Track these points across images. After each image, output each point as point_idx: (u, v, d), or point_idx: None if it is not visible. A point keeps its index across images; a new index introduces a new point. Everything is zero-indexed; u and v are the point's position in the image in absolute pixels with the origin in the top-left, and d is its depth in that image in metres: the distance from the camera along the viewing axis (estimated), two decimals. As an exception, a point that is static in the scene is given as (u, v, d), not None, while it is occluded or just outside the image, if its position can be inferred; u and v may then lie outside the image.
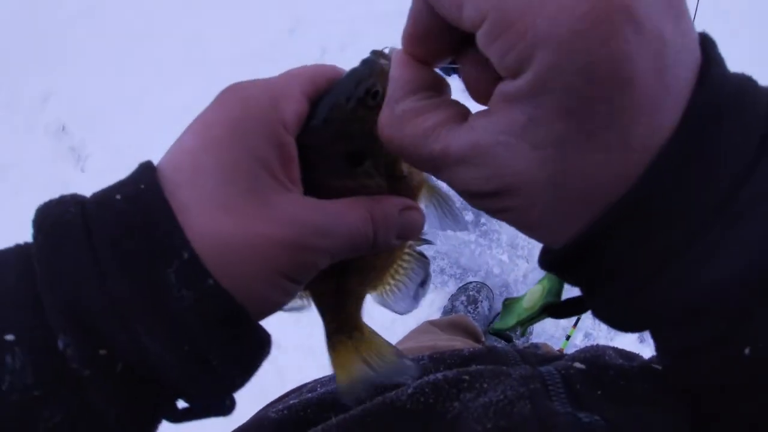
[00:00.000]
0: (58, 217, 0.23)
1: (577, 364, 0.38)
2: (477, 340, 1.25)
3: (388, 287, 0.42)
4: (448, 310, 1.84)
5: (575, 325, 1.55)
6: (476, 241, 1.93)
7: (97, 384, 0.22)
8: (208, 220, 0.25)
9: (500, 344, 0.80)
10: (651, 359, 0.39)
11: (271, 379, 1.91)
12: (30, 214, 0.24)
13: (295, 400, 0.45)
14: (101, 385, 0.22)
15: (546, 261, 0.27)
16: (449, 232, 1.93)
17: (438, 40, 0.26)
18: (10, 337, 0.21)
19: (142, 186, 0.25)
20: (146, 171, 0.26)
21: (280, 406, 0.45)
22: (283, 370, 1.91)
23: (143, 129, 2.07)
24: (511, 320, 0.41)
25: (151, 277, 0.23)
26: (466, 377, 0.37)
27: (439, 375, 0.39)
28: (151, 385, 0.24)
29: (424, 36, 0.27)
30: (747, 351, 0.21)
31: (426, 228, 0.38)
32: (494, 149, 0.23)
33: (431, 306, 1.88)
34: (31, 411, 0.21)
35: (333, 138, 0.33)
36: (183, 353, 0.24)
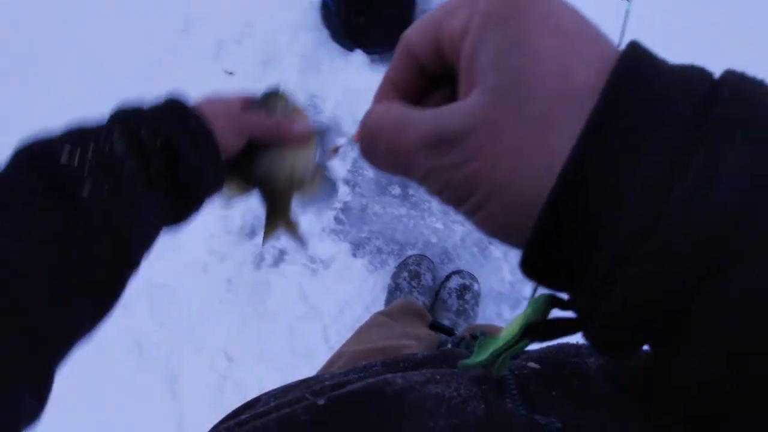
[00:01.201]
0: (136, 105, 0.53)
1: (531, 364, 0.37)
2: (426, 321, 1.23)
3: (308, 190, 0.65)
4: (393, 288, 1.81)
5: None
6: (408, 213, 1.90)
7: (155, 155, 0.49)
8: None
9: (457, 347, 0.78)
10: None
11: (231, 395, 1.86)
12: None
13: (247, 416, 0.44)
14: (158, 156, 0.49)
15: (523, 265, 0.25)
16: (378, 210, 1.90)
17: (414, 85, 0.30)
18: (115, 134, 0.46)
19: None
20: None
21: (232, 423, 0.44)
22: (240, 383, 1.87)
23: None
24: (484, 354, 0.36)
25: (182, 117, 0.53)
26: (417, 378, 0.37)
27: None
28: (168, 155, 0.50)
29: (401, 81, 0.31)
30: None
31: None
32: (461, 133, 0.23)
33: (374, 287, 1.85)
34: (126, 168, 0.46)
35: None
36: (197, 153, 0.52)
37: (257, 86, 2.08)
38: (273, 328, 1.84)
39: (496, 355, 0.33)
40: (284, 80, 1.97)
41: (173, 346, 1.85)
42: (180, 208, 0.53)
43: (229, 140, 0.56)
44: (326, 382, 0.45)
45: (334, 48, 2.00)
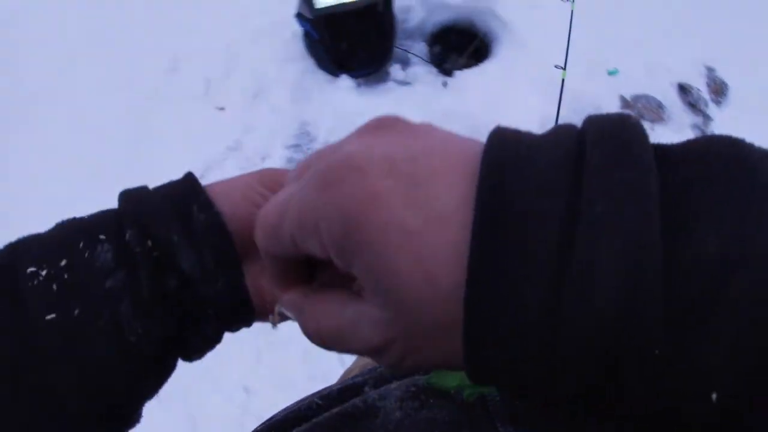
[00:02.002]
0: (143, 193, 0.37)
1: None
2: None
3: None
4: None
5: None
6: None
7: (142, 261, 0.33)
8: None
9: None
10: None
11: (251, 426, 1.84)
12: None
13: (261, 426, 0.45)
14: (144, 262, 0.33)
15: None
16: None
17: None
18: (102, 237, 0.33)
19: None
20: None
21: None
22: (260, 413, 1.86)
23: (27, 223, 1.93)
24: (452, 380, 0.36)
25: (183, 206, 0.36)
26: (413, 388, 0.37)
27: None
28: (169, 279, 0.34)
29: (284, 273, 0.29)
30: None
31: None
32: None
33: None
34: (109, 280, 0.33)
35: None
36: (194, 248, 0.35)
37: (250, 118, 2.10)
38: (288, 355, 1.85)
39: (464, 386, 0.34)
40: (275, 111, 2.01)
41: (190, 384, 1.85)
42: (188, 338, 0.37)
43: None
44: (334, 387, 0.46)
45: (321, 75, 2.05)
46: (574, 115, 2.28)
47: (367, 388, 0.45)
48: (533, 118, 2.20)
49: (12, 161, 2.11)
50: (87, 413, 0.32)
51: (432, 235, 0.20)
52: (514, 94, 2.24)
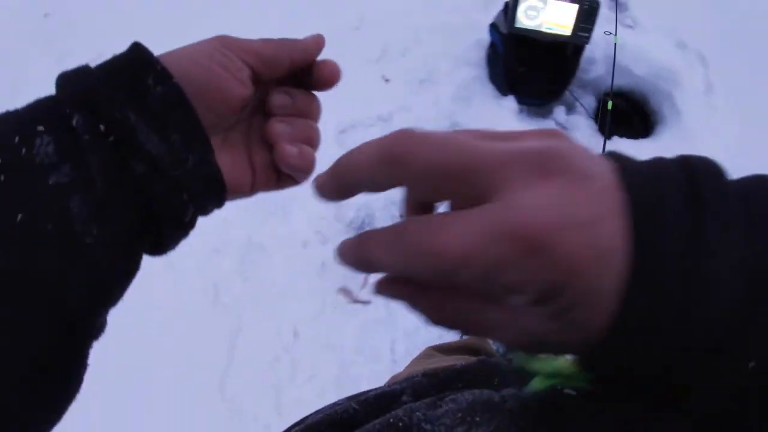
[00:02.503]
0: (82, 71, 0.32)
1: (568, 390, 0.35)
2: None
3: None
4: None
5: None
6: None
7: (93, 149, 0.29)
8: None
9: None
10: None
11: (285, 369, 1.90)
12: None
13: (297, 429, 0.44)
14: (96, 150, 0.29)
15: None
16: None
17: None
18: (40, 128, 0.28)
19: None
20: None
21: None
22: (297, 362, 1.91)
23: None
24: (548, 366, 0.36)
25: (136, 80, 0.31)
26: (460, 414, 0.35)
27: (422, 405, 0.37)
28: (134, 164, 0.31)
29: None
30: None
31: None
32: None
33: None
34: (52, 176, 0.28)
35: None
36: (155, 126, 0.31)
37: (410, 99, 2.17)
38: (348, 323, 1.89)
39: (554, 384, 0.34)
40: (435, 102, 2.07)
41: (249, 303, 1.93)
42: (152, 229, 0.33)
43: (220, 95, 0.34)
44: (371, 393, 0.46)
45: (489, 89, 2.09)
46: None
47: (405, 397, 0.44)
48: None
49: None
50: (42, 328, 0.28)
51: (605, 263, 0.22)
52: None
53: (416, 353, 1.92)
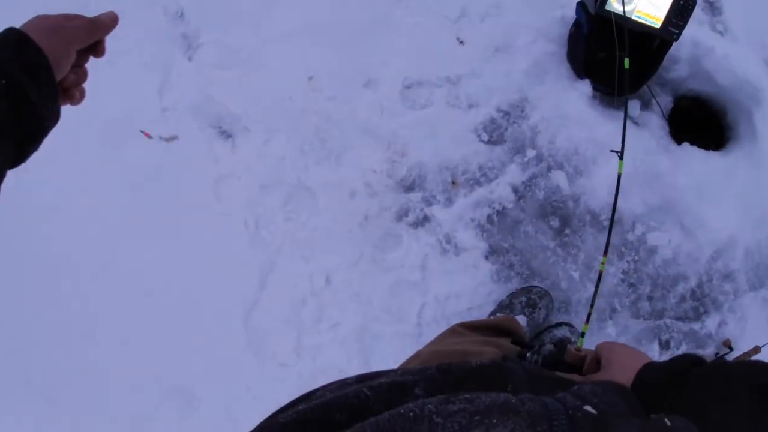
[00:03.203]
0: None
1: (588, 408, 0.37)
2: (519, 341, 1.21)
3: None
4: (505, 305, 1.81)
5: (587, 321, 1.54)
6: (554, 249, 1.89)
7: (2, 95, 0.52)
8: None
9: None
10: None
11: (310, 313, 1.90)
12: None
13: (304, 406, 0.46)
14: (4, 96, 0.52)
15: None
16: (530, 231, 1.90)
17: None
18: None
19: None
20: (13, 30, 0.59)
21: (289, 411, 0.46)
22: (323, 308, 1.91)
23: (259, 37, 2.04)
24: None
25: (25, 54, 0.55)
26: (477, 417, 0.37)
27: (454, 407, 0.39)
28: (21, 106, 0.55)
29: None
30: None
31: None
32: None
33: (488, 295, 1.86)
34: None
35: None
36: (35, 82, 0.56)
37: (481, 65, 2.10)
38: (381, 279, 1.88)
39: None
40: (507, 73, 2.00)
41: (287, 243, 1.92)
42: (22, 151, 0.57)
43: (60, 61, 0.60)
44: (382, 379, 0.47)
45: (565, 67, 2.01)
46: (758, 253, 2.11)
47: (417, 390, 0.46)
48: (721, 233, 2.05)
49: None
50: None
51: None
52: (721, 196, 2.11)
53: (442, 322, 1.90)
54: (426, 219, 1.90)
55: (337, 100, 2.01)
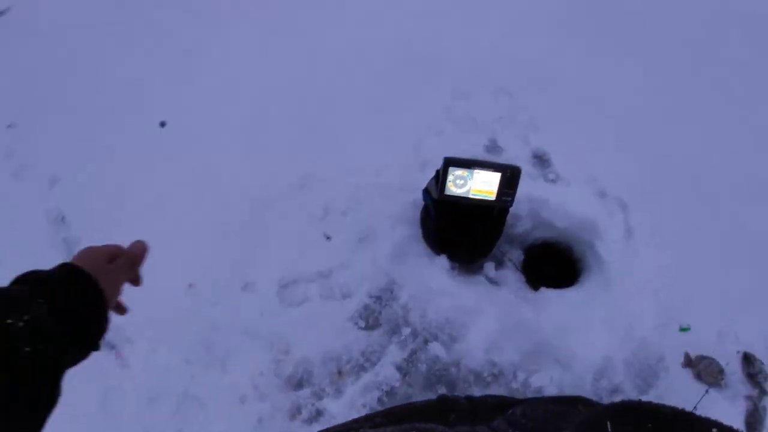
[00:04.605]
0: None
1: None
2: None
3: None
4: None
5: None
6: (444, 417, 2.01)
7: (56, 332, 0.60)
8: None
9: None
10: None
11: None
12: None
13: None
14: (59, 333, 0.60)
15: None
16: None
17: None
18: (41, 300, 0.60)
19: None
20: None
21: None
22: None
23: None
24: None
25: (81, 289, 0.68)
26: None
27: None
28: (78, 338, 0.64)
29: None
30: None
31: None
32: None
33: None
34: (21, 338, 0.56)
35: None
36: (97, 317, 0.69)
37: (349, 257, 2.28)
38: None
39: None
40: (373, 260, 2.21)
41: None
42: (80, 354, 0.68)
43: (114, 300, 0.76)
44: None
45: (423, 247, 2.25)
46: (636, 360, 2.32)
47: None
48: (595, 356, 2.26)
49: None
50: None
51: None
52: (586, 326, 2.33)
53: None
54: (319, 413, 1.98)
55: (217, 305, 2.13)
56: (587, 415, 0.44)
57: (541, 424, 0.46)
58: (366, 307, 2.15)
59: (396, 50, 2.99)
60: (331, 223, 2.30)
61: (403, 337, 2.09)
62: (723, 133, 2.99)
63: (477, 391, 2.08)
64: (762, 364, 2.45)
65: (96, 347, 0.69)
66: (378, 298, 2.17)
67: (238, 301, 2.14)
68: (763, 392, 2.40)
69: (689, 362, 2.38)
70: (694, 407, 2.21)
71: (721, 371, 2.36)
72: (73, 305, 0.64)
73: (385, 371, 2.03)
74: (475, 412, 0.52)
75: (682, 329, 2.49)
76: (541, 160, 2.79)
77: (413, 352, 2.07)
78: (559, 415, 0.49)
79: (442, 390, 2.05)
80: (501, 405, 0.53)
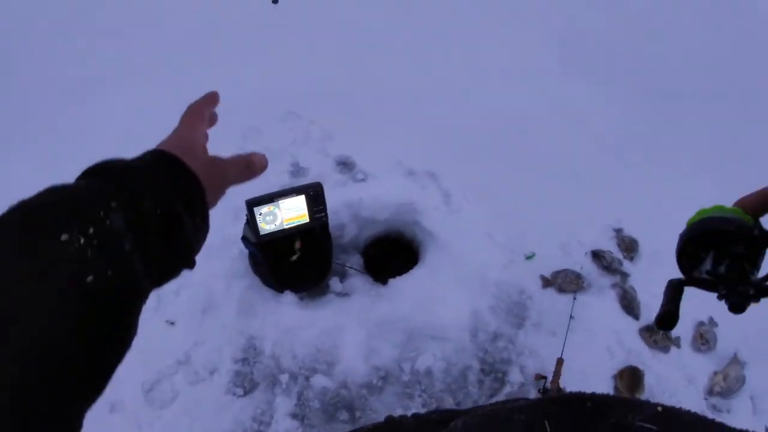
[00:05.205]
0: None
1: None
2: None
3: None
4: None
5: None
6: (352, 439, 2.02)
7: (154, 228, 0.46)
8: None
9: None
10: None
11: None
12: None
13: None
14: (156, 228, 0.46)
15: None
16: (325, 440, 2.00)
17: None
18: (113, 204, 0.44)
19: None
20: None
21: None
22: None
23: None
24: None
25: (179, 184, 0.51)
26: None
27: None
28: (175, 241, 0.49)
29: None
30: None
31: None
32: None
33: None
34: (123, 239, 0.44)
35: None
36: (191, 214, 0.51)
37: (199, 332, 2.21)
38: None
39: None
40: (223, 326, 2.15)
41: None
42: (168, 272, 0.52)
43: (213, 197, 0.58)
44: None
45: (266, 291, 2.24)
46: (500, 302, 2.51)
47: None
48: (463, 313, 2.39)
49: None
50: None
51: None
52: (443, 294, 2.47)
53: None
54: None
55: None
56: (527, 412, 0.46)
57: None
58: (237, 373, 2.08)
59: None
60: (169, 306, 2.20)
61: (284, 386, 2.07)
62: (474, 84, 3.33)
63: (378, 401, 2.12)
64: (611, 253, 2.72)
65: (190, 263, 0.52)
66: (244, 360, 2.11)
67: (109, 422, 1.95)
68: (623, 276, 2.68)
69: (547, 282, 2.58)
70: (571, 316, 2.40)
71: (578, 276, 2.58)
72: (163, 209, 0.47)
73: (283, 425, 1.99)
74: (419, 430, 0.54)
75: (528, 257, 2.69)
76: (345, 164, 2.91)
77: (300, 395, 2.06)
78: (496, 420, 0.50)
79: (344, 416, 2.06)
80: (446, 419, 0.53)
